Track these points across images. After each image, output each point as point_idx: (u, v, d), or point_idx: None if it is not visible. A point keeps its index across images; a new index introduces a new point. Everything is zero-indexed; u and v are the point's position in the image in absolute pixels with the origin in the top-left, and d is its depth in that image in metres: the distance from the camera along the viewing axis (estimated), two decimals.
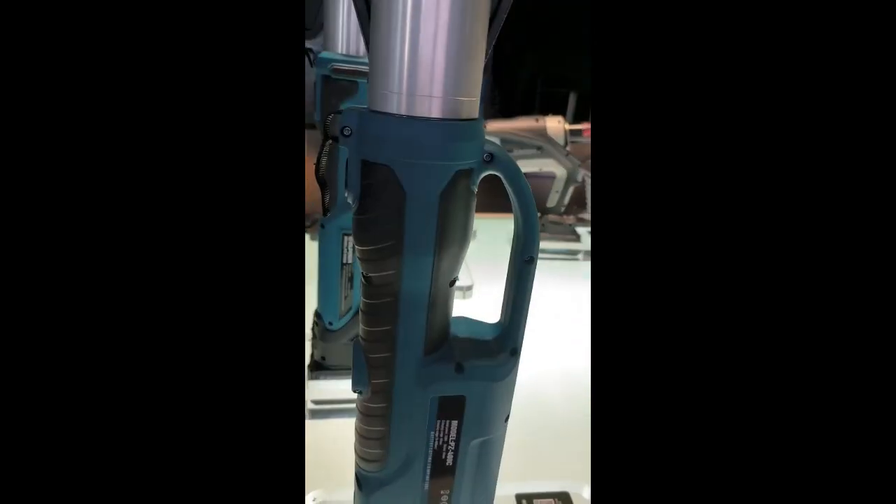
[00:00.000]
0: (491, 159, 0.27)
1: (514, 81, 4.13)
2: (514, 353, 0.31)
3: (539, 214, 1.14)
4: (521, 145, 0.99)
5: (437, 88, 0.24)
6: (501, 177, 0.28)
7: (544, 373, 0.68)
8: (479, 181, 0.28)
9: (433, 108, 0.24)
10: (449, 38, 0.23)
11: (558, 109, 1.17)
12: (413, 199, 0.25)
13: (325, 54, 0.50)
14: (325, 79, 0.50)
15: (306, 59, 0.57)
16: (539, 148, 0.99)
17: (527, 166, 1.02)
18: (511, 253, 0.31)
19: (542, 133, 0.99)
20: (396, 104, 0.24)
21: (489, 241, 1.02)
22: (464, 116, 0.25)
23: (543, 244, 1.06)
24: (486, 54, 0.26)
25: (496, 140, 1.00)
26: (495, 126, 1.00)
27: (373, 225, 0.26)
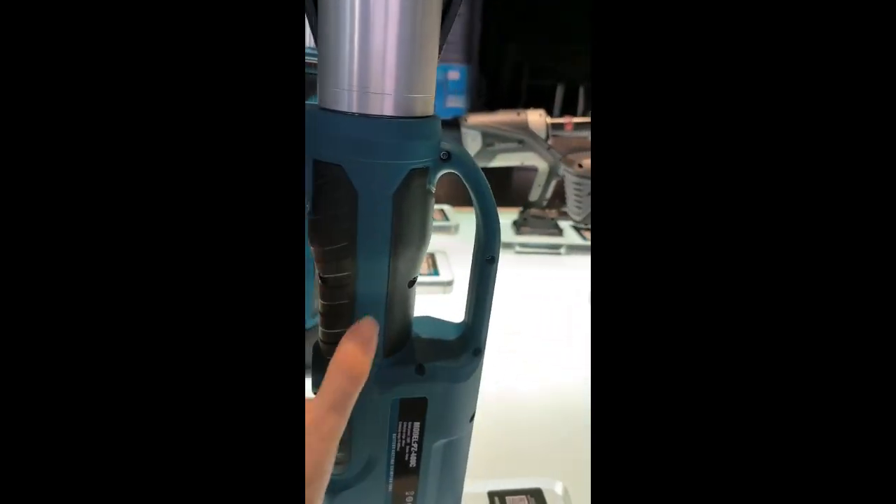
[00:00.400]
0: (448, 157, 0.26)
1: (499, 73, 4.12)
2: (478, 353, 0.31)
3: (521, 208, 1.13)
4: (503, 139, 0.99)
5: (390, 85, 0.23)
6: (460, 175, 0.27)
7: (519, 369, 0.68)
8: (437, 180, 0.27)
9: (385, 106, 0.24)
10: (400, 32, 0.23)
11: (545, 101, 1.15)
12: (365, 199, 0.25)
13: None
14: None
15: None
16: (520, 141, 0.98)
17: (508, 160, 1.01)
18: (473, 252, 0.30)
19: (524, 127, 0.98)
20: (347, 102, 0.24)
21: (471, 236, 1.01)
22: (418, 114, 0.25)
23: (525, 238, 1.05)
24: (440, 51, 0.25)
25: (478, 133, 1.00)
26: (476, 119, 0.99)
27: (326, 226, 0.26)
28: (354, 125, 0.24)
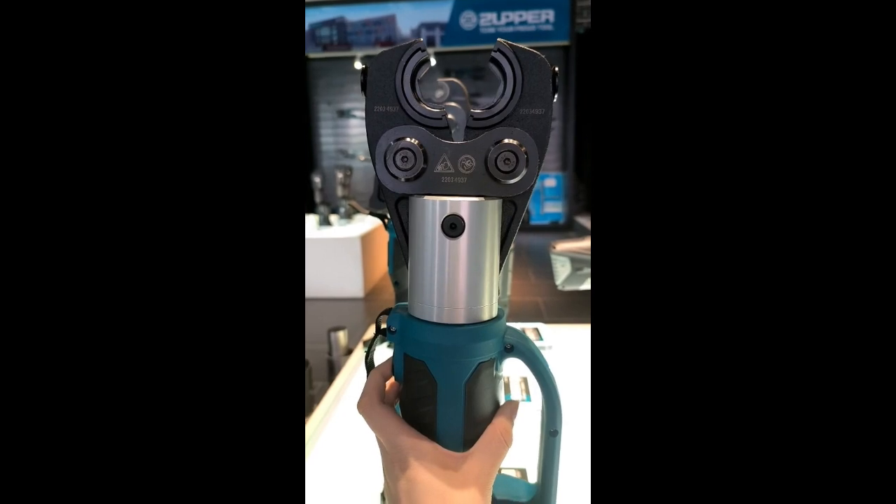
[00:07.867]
0: (511, 349, 0.32)
1: None
2: None
3: None
4: (590, 263, 1.03)
5: (461, 301, 0.30)
6: (523, 363, 0.33)
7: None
8: (502, 365, 0.33)
9: (459, 317, 0.30)
10: (468, 266, 0.30)
11: None
12: (443, 387, 0.31)
13: None
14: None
15: (381, 221, 0.66)
16: None
17: None
18: (540, 425, 0.35)
19: None
20: (429, 313, 0.31)
21: (568, 352, 1.03)
22: (484, 318, 0.31)
23: None
24: (500, 265, 0.31)
25: (566, 259, 1.05)
26: (564, 246, 1.05)
27: (412, 403, 0.32)
28: (435, 332, 0.30)
